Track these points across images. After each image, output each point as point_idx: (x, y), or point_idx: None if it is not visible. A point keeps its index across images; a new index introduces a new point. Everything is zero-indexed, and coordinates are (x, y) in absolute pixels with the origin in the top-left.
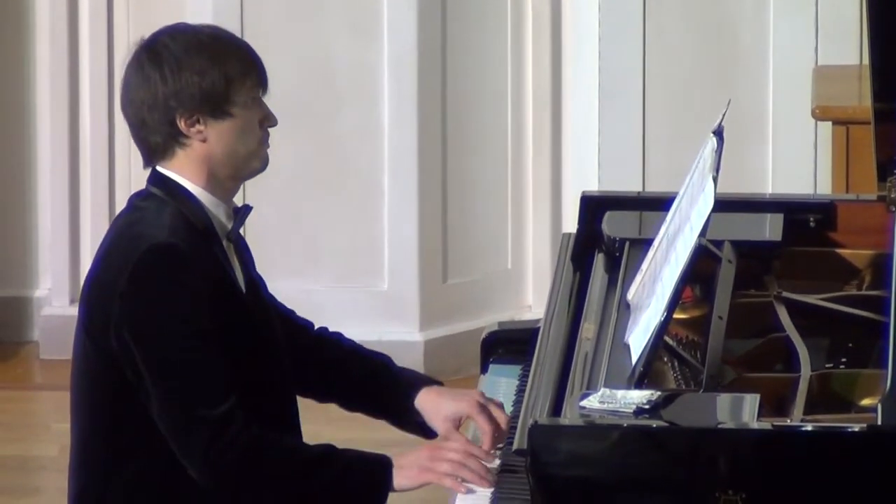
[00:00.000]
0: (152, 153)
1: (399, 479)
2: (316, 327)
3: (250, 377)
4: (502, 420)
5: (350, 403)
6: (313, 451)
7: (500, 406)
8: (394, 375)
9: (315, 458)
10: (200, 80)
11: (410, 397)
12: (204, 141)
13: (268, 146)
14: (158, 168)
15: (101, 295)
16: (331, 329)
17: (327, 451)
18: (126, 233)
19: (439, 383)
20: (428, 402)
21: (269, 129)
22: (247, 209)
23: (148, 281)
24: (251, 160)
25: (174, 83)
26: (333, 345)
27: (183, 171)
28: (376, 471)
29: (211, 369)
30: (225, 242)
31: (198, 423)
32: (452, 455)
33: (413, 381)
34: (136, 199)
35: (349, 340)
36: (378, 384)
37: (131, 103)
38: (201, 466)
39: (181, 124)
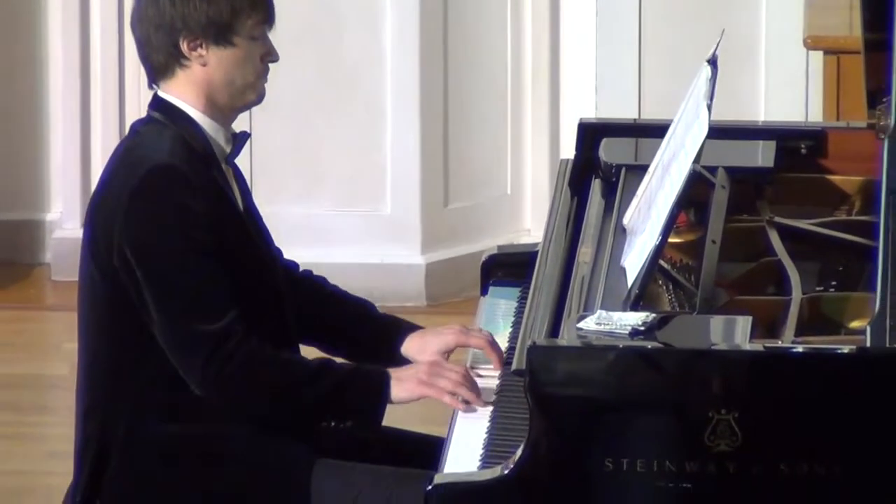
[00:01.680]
0: (155, 71)
1: (397, 390)
2: (301, 269)
3: (250, 294)
4: (456, 377)
5: (330, 345)
6: (311, 364)
7: (487, 334)
8: (378, 321)
9: (312, 370)
10: (208, 6)
11: (397, 343)
12: (204, 65)
13: (266, 80)
14: (160, 93)
15: (104, 216)
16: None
17: (324, 363)
18: (127, 156)
19: (420, 328)
20: (414, 345)
21: (271, 64)
22: (245, 135)
23: (148, 201)
24: (247, 91)
25: (182, 6)
26: (317, 287)
27: (183, 95)
28: (374, 382)
29: (210, 286)
30: (224, 166)
31: (197, 338)
32: (451, 374)
33: (398, 328)
34: (138, 125)
35: (332, 285)
36: (363, 328)
37: (140, 20)
38: (201, 380)
39: (183, 46)
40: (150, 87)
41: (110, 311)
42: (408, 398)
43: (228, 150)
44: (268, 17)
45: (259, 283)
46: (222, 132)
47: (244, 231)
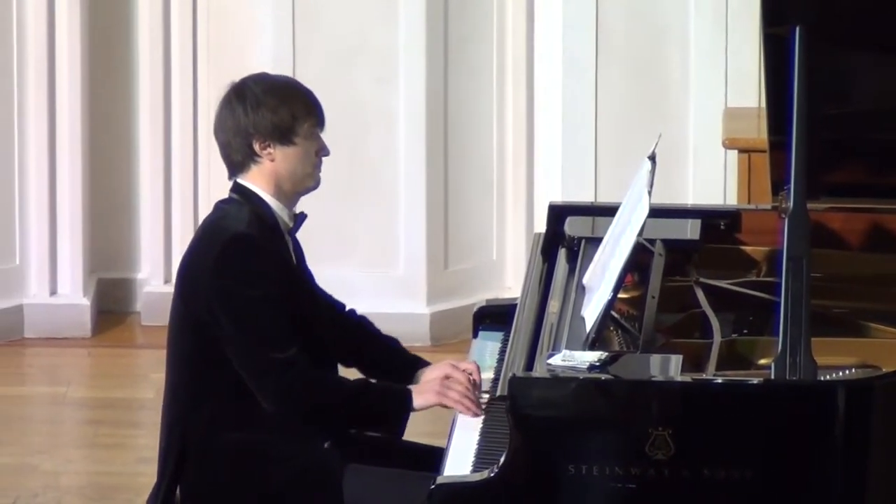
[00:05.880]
0: (234, 167)
1: (418, 400)
2: (347, 308)
3: (300, 331)
4: (473, 370)
5: (368, 371)
6: (354, 383)
7: (474, 367)
8: (403, 358)
9: (356, 388)
10: (273, 115)
11: (412, 374)
12: (272, 160)
13: (320, 171)
14: (238, 180)
15: (195, 270)
16: (360, 306)
17: (364, 383)
18: (214, 226)
19: (428, 363)
20: (421, 377)
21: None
22: (303, 216)
23: (231, 260)
24: (306, 179)
25: (253, 116)
26: (359, 326)
27: (256, 182)
28: (400, 395)
29: (279, 324)
30: (286, 237)
31: (271, 364)
32: (459, 387)
33: (414, 364)
34: (221, 203)
35: (370, 323)
36: (392, 363)
37: (221, 129)
38: (274, 398)
39: (256, 147)
40: (230, 178)
41: (194, 346)
42: (426, 405)
43: (291, 225)
44: (319, 121)
45: (307, 323)
46: (286, 211)
47: (298, 287)
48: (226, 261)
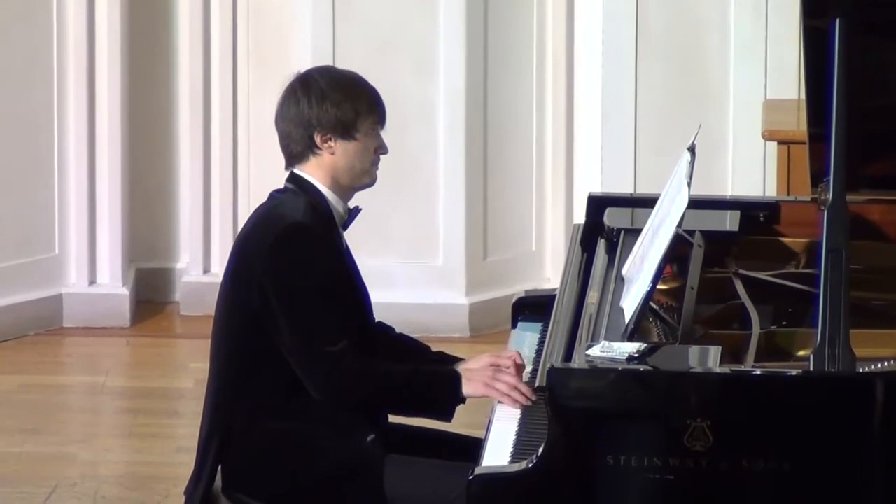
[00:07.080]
0: (292, 157)
1: (466, 388)
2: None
3: (351, 322)
4: (515, 357)
5: None
6: (403, 371)
7: (516, 355)
8: (432, 357)
9: (405, 376)
10: (336, 109)
11: None
12: (332, 154)
13: (377, 168)
14: (295, 170)
15: (248, 257)
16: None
17: (413, 370)
18: (269, 214)
19: (460, 359)
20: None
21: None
22: (357, 210)
23: (287, 249)
24: (363, 176)
25: (317, 108)
26: (389, 332)
27: (314, 174)
28: (450, 381)
29: (330, 316)
30: (340, 230)
31: (321, 357)
32: (509, 378)
33: (444, 362)
34: (276, 193)
35: (397, 332)
36: (423, 363)
37: (283, 119)
38: (324, 390)
39: (317, 139)
40: (287, 168)
41: (242, 333)
42: (474, 394)
43: (346, 217)
44: (381, 119)
45: (357, 313)
46: (341, 205)
47: (349, 279)
48: (282, 249)
